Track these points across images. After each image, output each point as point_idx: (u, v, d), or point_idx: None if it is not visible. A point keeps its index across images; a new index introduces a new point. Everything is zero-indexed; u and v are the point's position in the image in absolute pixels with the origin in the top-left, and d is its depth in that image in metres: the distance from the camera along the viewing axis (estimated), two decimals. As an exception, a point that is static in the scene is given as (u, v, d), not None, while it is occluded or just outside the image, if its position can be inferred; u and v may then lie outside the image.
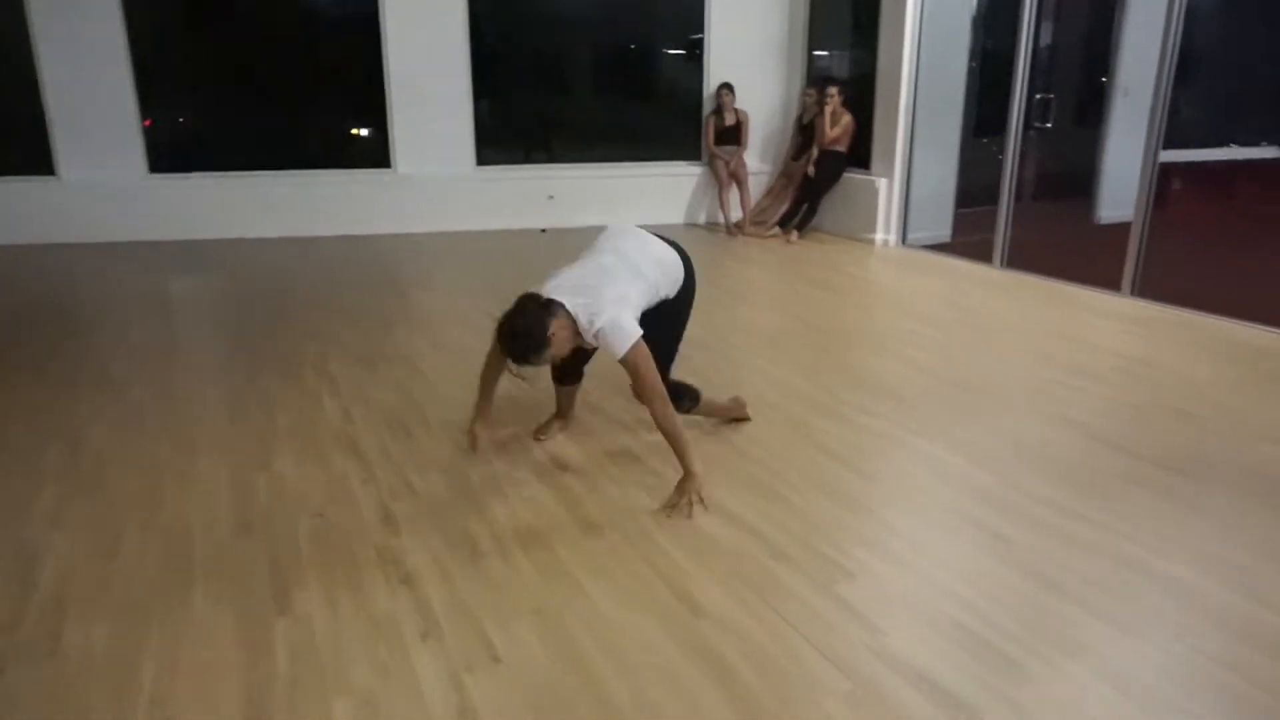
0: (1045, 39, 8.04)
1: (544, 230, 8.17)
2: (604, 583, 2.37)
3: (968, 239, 7.21)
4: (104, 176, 7.37)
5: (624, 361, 2.70)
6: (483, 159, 8.15)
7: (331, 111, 8.08)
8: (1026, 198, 8.61)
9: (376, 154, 7.94)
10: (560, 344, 2.69)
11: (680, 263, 3.10)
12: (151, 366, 4.25)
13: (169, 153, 7.62)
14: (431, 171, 7.97)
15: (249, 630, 2.17)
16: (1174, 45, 5.27)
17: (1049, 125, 7.89)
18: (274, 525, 2.71)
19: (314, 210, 7.80)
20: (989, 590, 2.33)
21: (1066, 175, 8.89)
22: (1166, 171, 8.97)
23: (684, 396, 3.17)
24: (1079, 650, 2.06)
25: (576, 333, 2.73)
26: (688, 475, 2.76)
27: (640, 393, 2.74)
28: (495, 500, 2.86)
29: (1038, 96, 7.68)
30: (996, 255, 6.49)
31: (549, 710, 1.88)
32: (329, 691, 1.94)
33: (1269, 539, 2.57)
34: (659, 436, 2.81)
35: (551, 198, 8.27)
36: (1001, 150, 6.47)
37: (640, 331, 2.71)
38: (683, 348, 3.27)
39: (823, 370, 4.15)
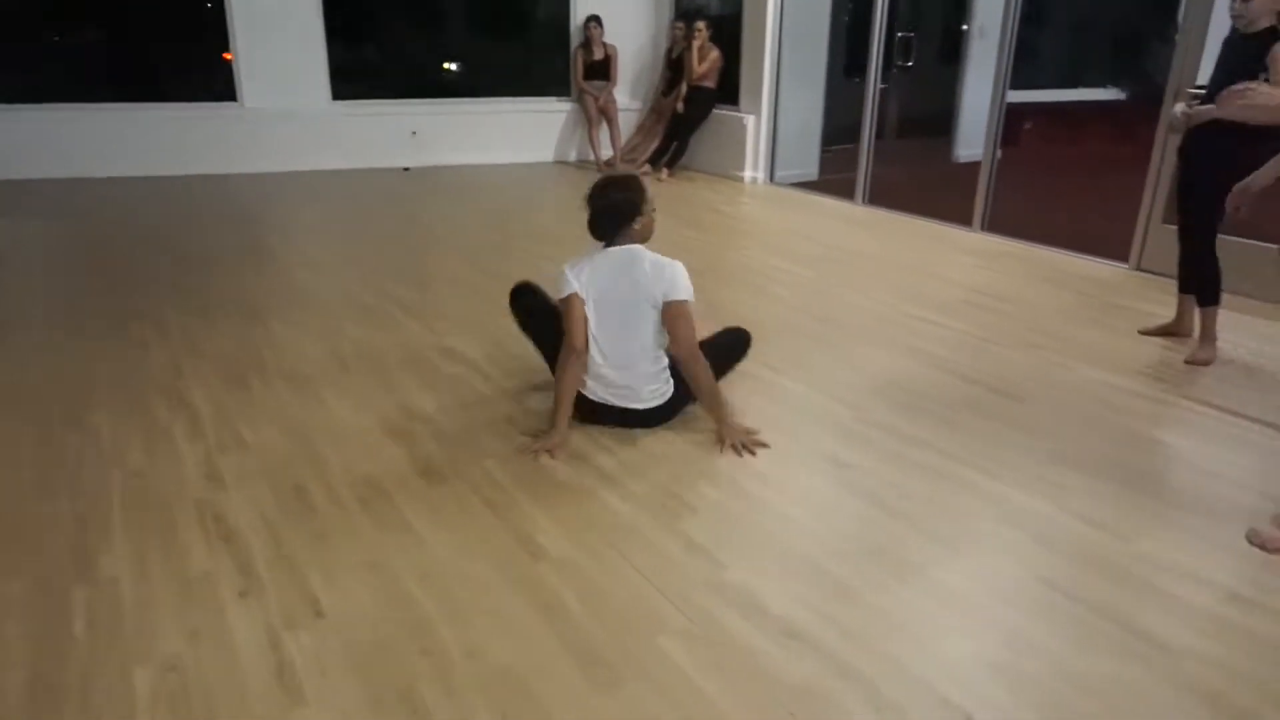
0: (909, -22, 8.15)
1: (407, 169, 7.82)
2: (443, 533, 2.28)
3: (834, 176, 7.32)
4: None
5: (678, 305, 2.66)
6: (339, 93, 7.68)
7: (168, 38, 7.41)
8: (890, 136, 8.80)
9: (220, 86, 7.36)
10: (646, 229, 2.77)
11: None
12: (-49, 318, 3.84)
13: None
14: (283, 106, 7.46)
15: (42, 600, 1.98)
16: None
17: (910, 65, 8.05)
18: (82, 485, 2.49)
19: (151, 147, 7.19)
20: (831, 519, 2.36)
21: (928, 114, 9.12)
22: (1018, 112, 9.34)
23: None
24: (912, 572, 2.11)
25: (644, 236, 2.80)
26: (727, 427, 2.75)
27: (682, 349, 2.69)
28: (334, 452, 2.71)
29: (899, 35, 7.81)
30: (859, 193, 6.61)
31: (372, 661, 1.79)
32: (129, 660, 1.79)
33: (1089, 458, 2.70)
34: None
35: (414, 134, 7.90)
36: (864, 88, 6.53)
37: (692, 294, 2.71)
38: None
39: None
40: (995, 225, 5.70)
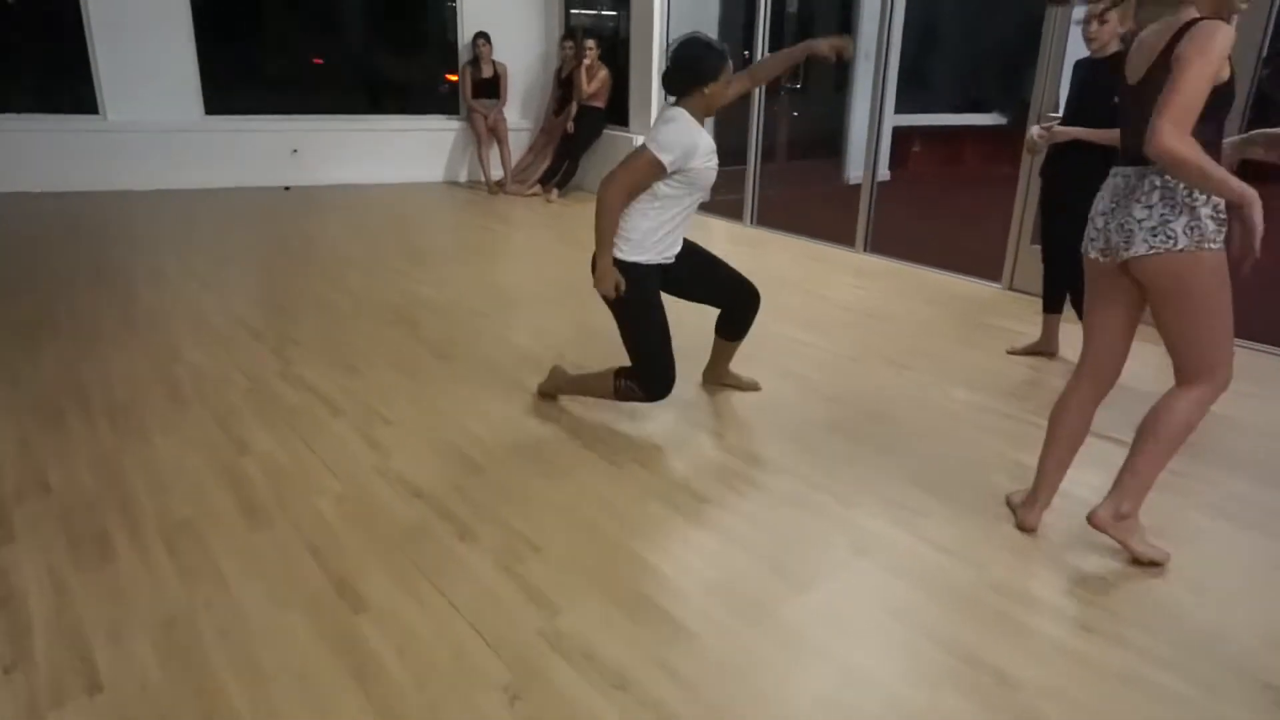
0: (798, 4, 8.29)
1: (288, 188, 7.49)
2: (257, 581, 2.07)
3: (725, 197, 7.31)
4: None
5: (635, 149, 2.69)
6: (212, 107, 7.30)
7: (21, 46, 6.91)
8: (782, 158, 8.91)
9: (81, 97, 6.90)
10: (710, 100, 2.73)
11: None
12: None
13: None
14: (150, 119, 7.04)
15: None
16: (890, 13, 5.47)
17: (799, 87, 8.17)
18: None
19: (6, 161, 6.69)
20: (677, 555, 2.25)
21: (820, 136, 9.28)
22: (909, 135, 9.58)
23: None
24: (757, 612, 2.01)
25: (702, 113, 2.75)
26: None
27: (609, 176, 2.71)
28: (150, 495, 2.47)
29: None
30: (746, 213, 6.61)
31: (145, 744, 1.59)
32: None
33: (950, 482, 2.67)
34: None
35: (295, 152, 7.58)
36: (749, 110, 6.56)
37: (664, 157, 2.65)
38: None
39: (553, 329, 3.99)
40: (877, 245, 5.77)
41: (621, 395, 2.91)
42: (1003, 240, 4.95)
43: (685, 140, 2.67)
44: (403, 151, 7.96)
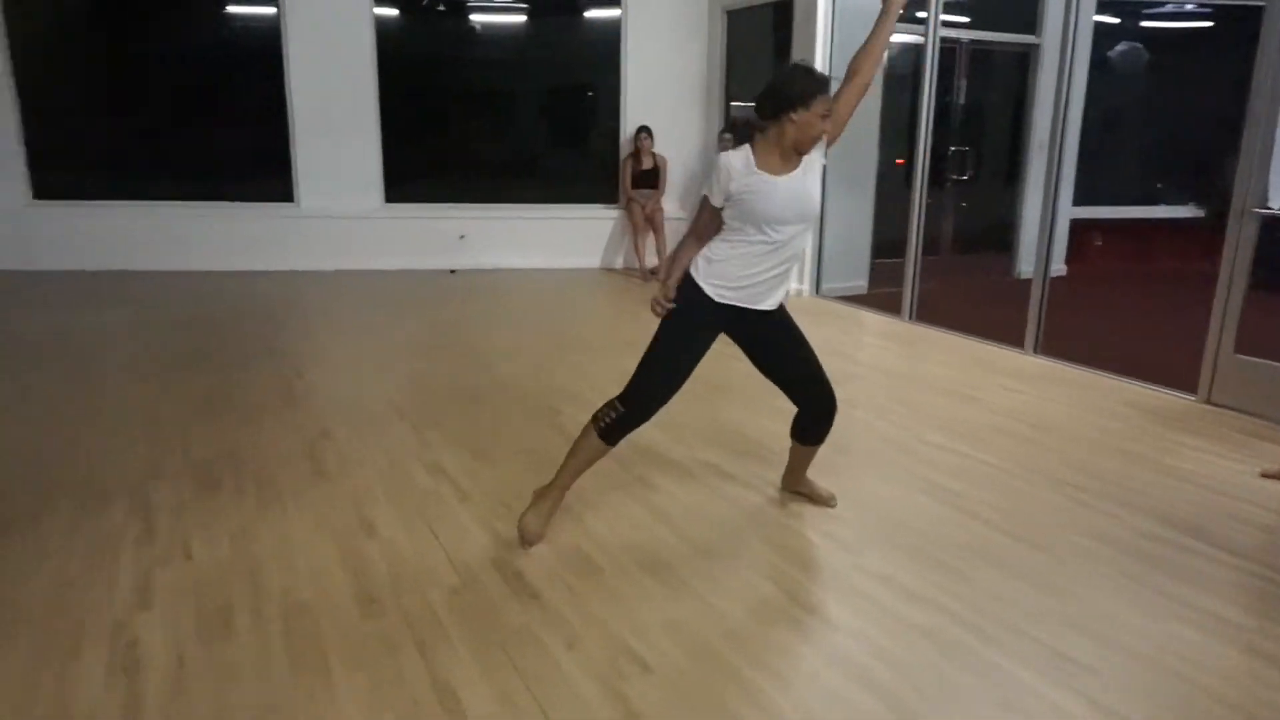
0: (966, 95, 8.05)
1: (453, 271, 7.89)
2: (360, 675, 2.05)
3: (885, 290, 7.08)
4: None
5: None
6: (390, 196, 7.87)
7: (232, 141, 7.74)
8: (947, 250, 8.55)
9: (280, 188, 7.62)
10: (792, 136, 2.55)
11: None
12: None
13: (55, 178, 7.25)
14: (337, 207, 7.66)
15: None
16: (1065, 103, 5.17)
17: (966, 178, 7.87)
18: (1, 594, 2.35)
19: (212, 244, 7.45)
20: (798, 693, 2.04)
21: (990, 229, 8.87)
22: (1089, 228, 9.00)
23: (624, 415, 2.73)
24: (879, 765, 1.78)
25: (789, 144, 2.58)
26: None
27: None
28: (278, 571, 2.52)
29: (952, 150, 7.67)
30: (905, 308, 6.34)
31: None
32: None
33: (1112, 630, 2.33)
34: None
35: (463, 238, 8.01)
36: (910, 200, 6.35)
37: (706, 191, 2.63)
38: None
39: (687, 422, 3.88)
40: (1049, 347, 5.35)
41: (601, 424, 2.69)
42: (1199, 347, 4.45)
43: (719, 168, 2.58)
44: (562, 238, 8.24)
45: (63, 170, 7.36)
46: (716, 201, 2.61)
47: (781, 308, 2.80)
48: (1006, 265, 8.59)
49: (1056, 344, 5.34)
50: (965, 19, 7.72)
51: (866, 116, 7.17)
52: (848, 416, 4.11)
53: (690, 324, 2.69)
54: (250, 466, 3.28)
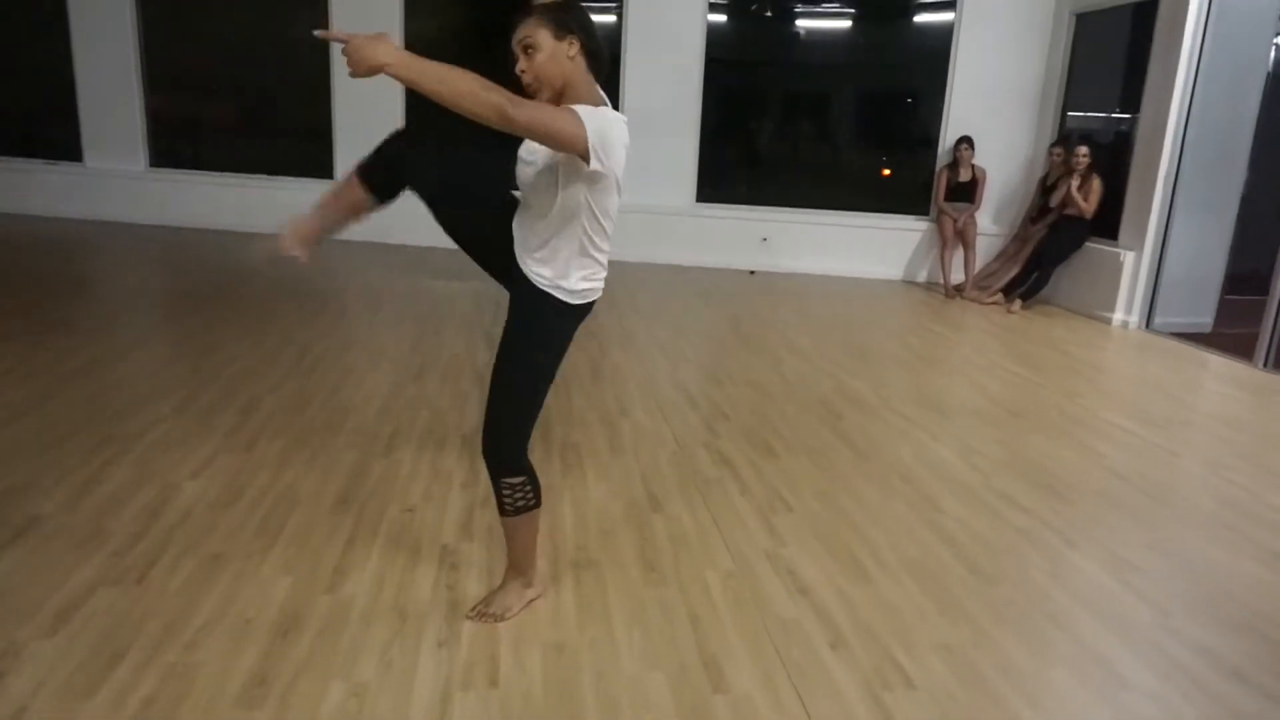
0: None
1: (752, 272, 8.07)
2: (638, 632, 2.23)
3: (1235, 331, 6.20)
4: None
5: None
6: (702, 195, 8.21)
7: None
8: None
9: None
10: (550, 59, 1.95)
11: None
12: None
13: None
14: (650, 203, 8.13)
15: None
16: None
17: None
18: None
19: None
20: (1078, 739, 1.92)
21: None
22: None
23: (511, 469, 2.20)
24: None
25: (562, 66, 1.97)
26: None
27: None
28: (575, 527, 2.80)
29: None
30: (1260, 353, 5.51)
31: (514, 750, 1.78)
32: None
33: None
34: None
35: (765, 240, 8.16)
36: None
37: (585, 125, 1.84)
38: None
39: (985, 451, 3.70)
40: None
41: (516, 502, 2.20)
42: None
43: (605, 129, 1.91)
44: (866, 247, 8.12)
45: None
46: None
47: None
48: None
49: None
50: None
51: (1235, 128, 6.30)
52: (1171, 466, 3.71)
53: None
54: (557, 432, 3.63)
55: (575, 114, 1.84)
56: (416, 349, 4.77)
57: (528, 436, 2.21)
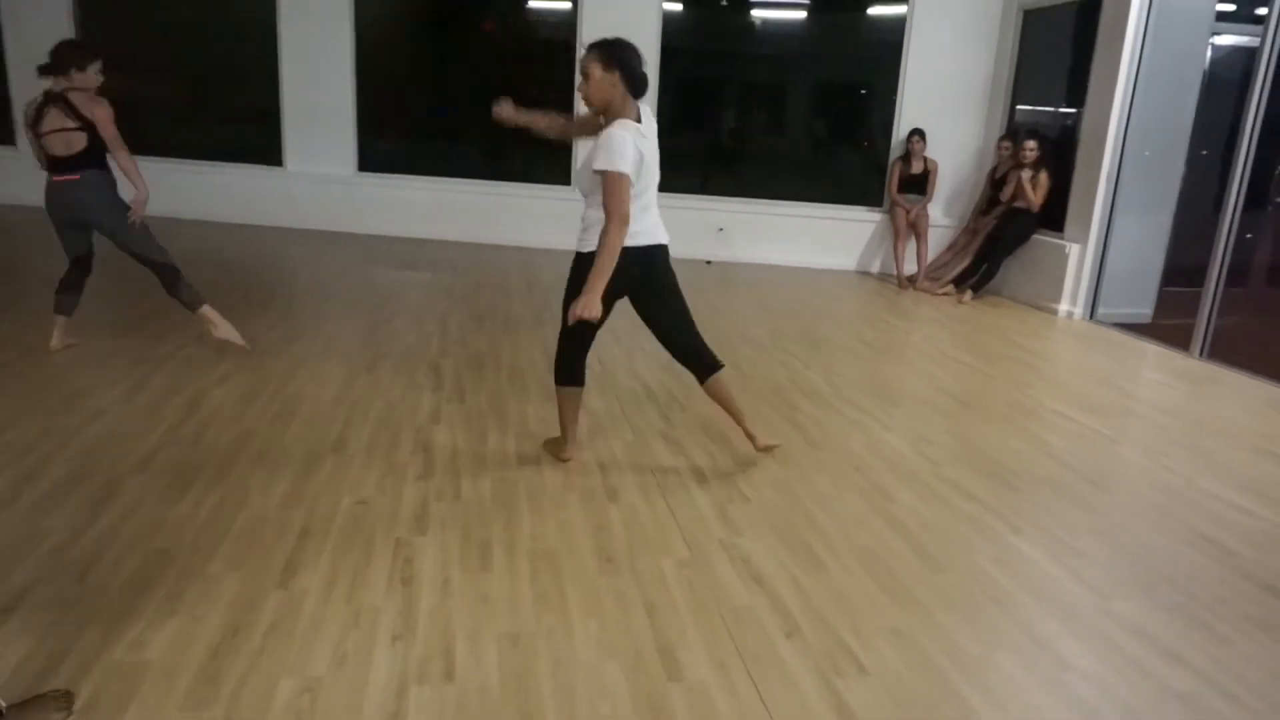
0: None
1: (709, 262, 8.10)
2: (593, 622, 2.24)
3: (1173, 322, 6.39)
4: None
5: (602, 174, 2.76)
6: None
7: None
8: (1258, 283, 7.53)
9: (559, 173, 8.22)
10: (597, 84, 2.81)
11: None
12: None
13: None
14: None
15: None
16: None
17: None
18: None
19: (505, 221, 8.20)
20: (1016, 716, 1.97)
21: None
22: None
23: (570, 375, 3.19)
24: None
25: (606, 92, 2.83)
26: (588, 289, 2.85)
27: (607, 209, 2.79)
28: (532, 515, 2.79)
29: None
30: (1196, 343, 5.69)
31: (470, 743, 1.77)
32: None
33: None
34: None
35: (721, 230, 8.19)
36: (1218, 223, 5.67)
37: (627, 170, 2.74)
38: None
39: (935, 440, 3.77)
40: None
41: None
42: None
43: (625, 152, 2.75)
44: (820, 238, 8.19)
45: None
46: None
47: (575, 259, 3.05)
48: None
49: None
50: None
51: (1174, 126, 6.48)
52: (1113, 453, 3.82)
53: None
54: (513, 427, 3.62)
55: (615, 184, 2.73)
56: (369, 341, 4.71)
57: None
